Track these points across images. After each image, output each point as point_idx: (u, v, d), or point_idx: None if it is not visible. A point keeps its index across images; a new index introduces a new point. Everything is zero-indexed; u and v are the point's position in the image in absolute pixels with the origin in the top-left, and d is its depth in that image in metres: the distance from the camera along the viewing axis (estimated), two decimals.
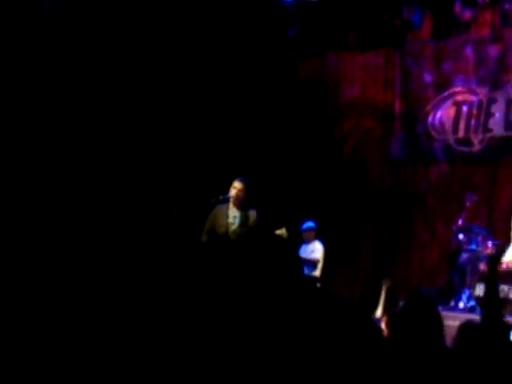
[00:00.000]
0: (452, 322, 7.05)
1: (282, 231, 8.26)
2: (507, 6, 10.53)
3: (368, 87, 11.98)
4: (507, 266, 8.89)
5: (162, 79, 11.15)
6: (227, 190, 8.38)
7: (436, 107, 11.36)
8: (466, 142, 11.10)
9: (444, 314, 8.58)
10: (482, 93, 10.99)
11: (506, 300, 8.53)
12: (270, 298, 2.12)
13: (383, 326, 4.44)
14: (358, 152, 11.96)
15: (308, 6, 11.59)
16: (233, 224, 8.41)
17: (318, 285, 9.89)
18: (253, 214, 8.42)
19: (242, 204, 8.42)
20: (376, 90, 11.93)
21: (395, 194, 11.62)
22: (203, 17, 11.38)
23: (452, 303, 9.52)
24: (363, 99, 11.98)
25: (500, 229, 9.76)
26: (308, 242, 10.46)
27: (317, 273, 10.27)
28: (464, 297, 9.38)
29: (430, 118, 11.40)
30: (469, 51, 11.04)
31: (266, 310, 2.07)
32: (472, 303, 9.21)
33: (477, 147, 11.00)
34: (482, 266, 9.23)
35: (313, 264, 10.28)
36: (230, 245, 8.11)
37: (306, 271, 10.03)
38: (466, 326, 2.67)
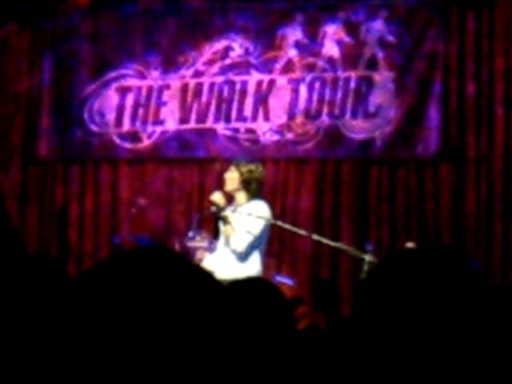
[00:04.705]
0: None
1: None
2: None
3: (10, 71, 9.62)
4: None
5: None
6: None
7: (95, 94, 9.24)
8: (133, 136, 9.21)
9: None
10: (153, 77, 9.12)
11: None
12: None
13: None
14: None
15: None
16: None
17: None
18: None
19: None
20: (19, 73, 9.61)
21: (42, 200, 9.39)
22: None
23: None
24: (3, 84, 9.62)
25: (181, 229, 8.39)
26: None
27: None
28: None
29: (86, 108, 9.26)
30: (138, 24, 9.11)
31: None
32: None
33: (145, 143, 9.16)
34: None
35: None
36: None
37: None
38: None
